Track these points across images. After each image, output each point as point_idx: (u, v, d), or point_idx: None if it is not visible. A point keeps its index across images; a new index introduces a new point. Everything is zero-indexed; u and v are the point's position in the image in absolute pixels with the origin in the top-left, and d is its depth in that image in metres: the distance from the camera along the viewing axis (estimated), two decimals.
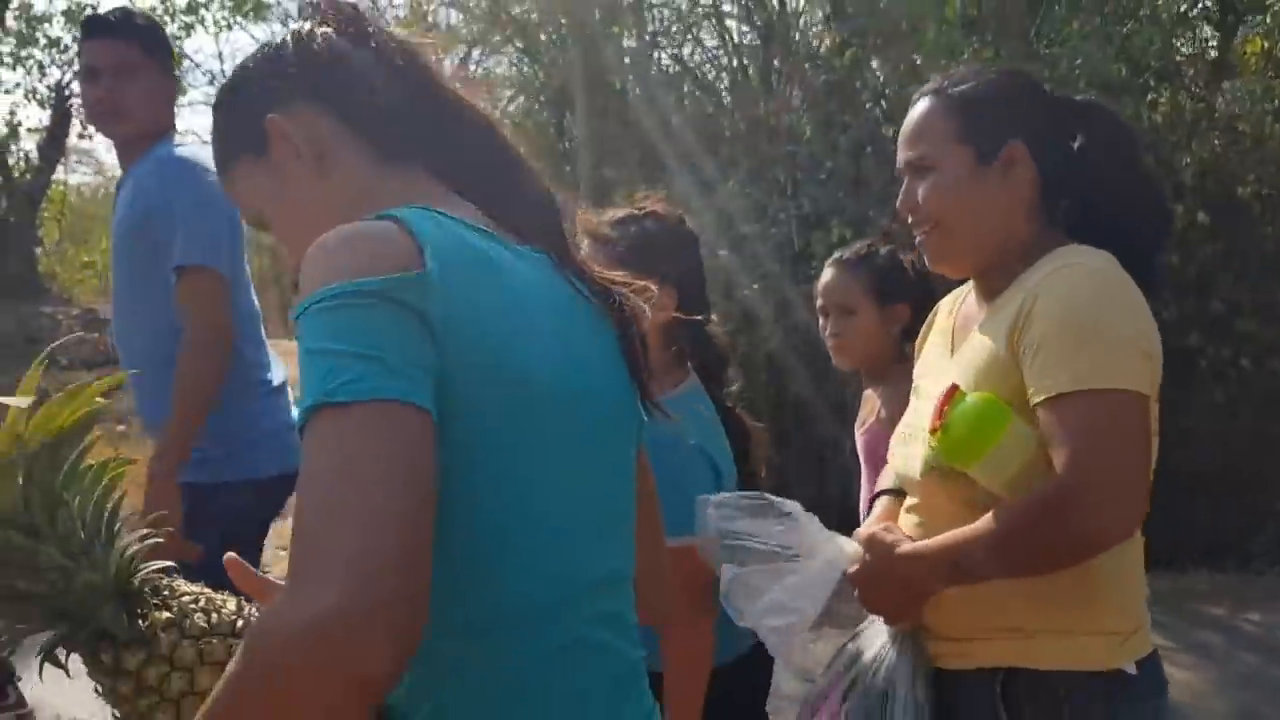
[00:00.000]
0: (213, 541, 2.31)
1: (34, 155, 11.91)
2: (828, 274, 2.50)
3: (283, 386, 2.68)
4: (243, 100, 1.06)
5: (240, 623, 0.94)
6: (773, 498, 1.67)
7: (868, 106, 6.90)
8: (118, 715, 0.92)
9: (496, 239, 0.96)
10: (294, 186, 1.03)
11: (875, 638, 1.61)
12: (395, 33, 1.08)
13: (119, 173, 2.60)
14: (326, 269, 0.84)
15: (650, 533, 1.11)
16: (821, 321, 2.52)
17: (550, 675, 0.92)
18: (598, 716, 0.95)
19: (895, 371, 2.38)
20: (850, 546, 1.59)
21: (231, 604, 0.97)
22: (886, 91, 6.78)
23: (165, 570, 0.95)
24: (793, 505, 1.65)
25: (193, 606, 0.93)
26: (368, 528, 0.74)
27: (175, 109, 2.62)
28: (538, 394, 0.91)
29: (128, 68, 2.48)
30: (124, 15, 2.60)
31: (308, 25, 1.05)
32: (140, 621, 0.89)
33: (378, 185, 1.01)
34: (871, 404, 2.48)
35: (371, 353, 0.80)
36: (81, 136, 11.47)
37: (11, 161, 11.72)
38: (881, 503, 1.72)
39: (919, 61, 6.29)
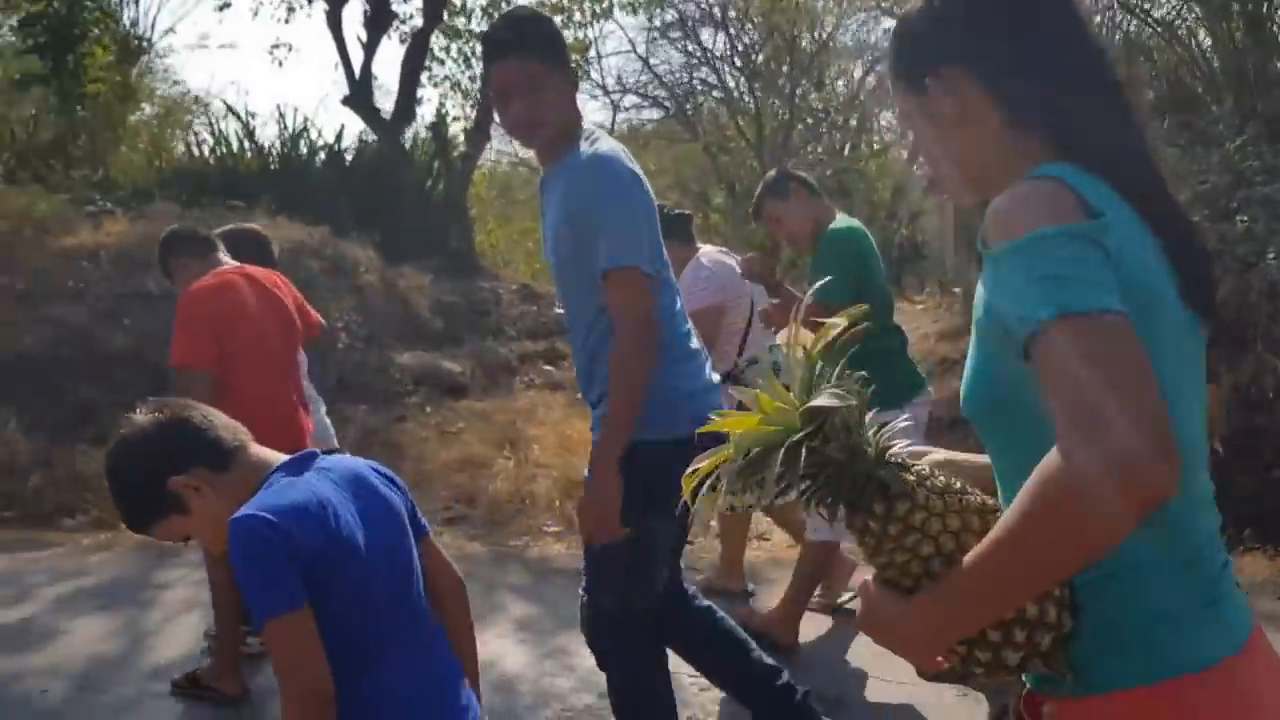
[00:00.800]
0: (635, 495, 2.55)
1: (462, 142, 12.87)
2: None
3: (698, 351, 2.78)
4: (906, 50, 1.34)
5: (957, 483, 1.21)
6: None
7: None
8: (878, 561, 1.18)
9: (1108, 189, 1.19)
10: (940, 130, 1.31)
11: None
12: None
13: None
14: (1027, 220, 1.11)
15: None
16: None
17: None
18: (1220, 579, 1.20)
19: None
20: None
21: (939, 471, 1.24)
22: None
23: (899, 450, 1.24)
24: None
25: (924, 471, 1.21)
26: (1136, 391, 1.01)
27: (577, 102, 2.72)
28: (1171, 319, 1.17)
29: (534, 81, 2.57)
30: (517, 32, 2.63)
31: None
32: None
33: (1002, 146, 1.27)
34: None
35: (1087, 276, 1.07)
36: None
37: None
38: None
39: None
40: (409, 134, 12.68)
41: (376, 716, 1.73)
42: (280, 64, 15.23)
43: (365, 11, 12.42)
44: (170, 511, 1.78)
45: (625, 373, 2.54)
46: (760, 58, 20.60)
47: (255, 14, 14.62)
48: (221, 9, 13.06)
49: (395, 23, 12.95)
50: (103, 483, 1.86)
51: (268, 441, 3.48)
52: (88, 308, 7.67)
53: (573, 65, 2.72)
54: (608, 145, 2.64)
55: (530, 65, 2.57)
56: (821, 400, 1.15)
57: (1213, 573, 1.18)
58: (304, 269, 8.78)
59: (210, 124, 12.37)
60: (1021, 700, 1.25)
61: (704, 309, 4.19)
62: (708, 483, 1.22)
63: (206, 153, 11.42)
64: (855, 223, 3.99)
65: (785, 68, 20.02)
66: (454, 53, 13.28)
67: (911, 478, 1.18)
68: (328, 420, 4.42)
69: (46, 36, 10.33)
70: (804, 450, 1.15)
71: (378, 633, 1.75)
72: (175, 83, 18.59)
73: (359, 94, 12.67)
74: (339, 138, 11.55)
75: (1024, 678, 1.21)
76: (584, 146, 2.62)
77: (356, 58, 12.62)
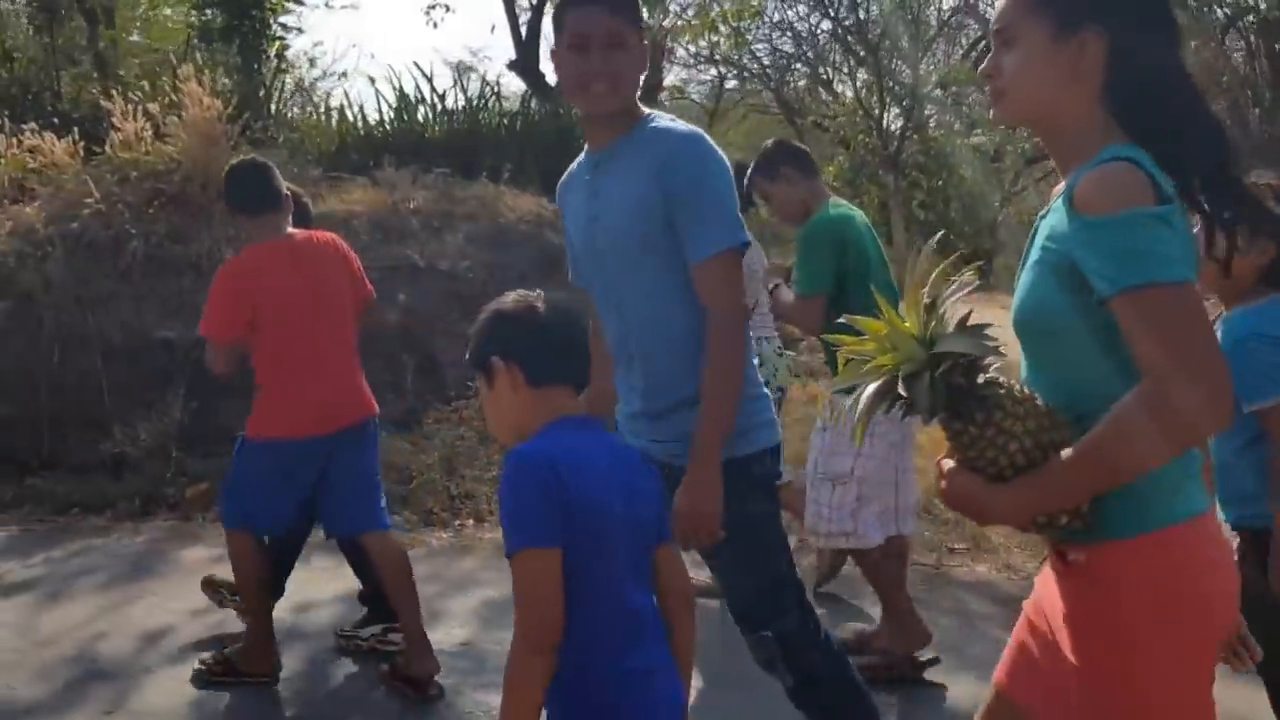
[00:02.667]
0: (753, 507, 2.40)
1: None
2: None
3: None
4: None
5: (1028, 389, 1.54)
6: None
7: None
8: (970, 454, 1.51)
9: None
10: (1049, 67, 1.55)
11: None
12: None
13: None
14: (1126, 197, 1.43)
15: None
16: None
17: None
18: None
19: None
20: None
21: (1017, 387, 1.53)
22: None
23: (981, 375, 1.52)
24: None
25: (1009, 383, 1.52)
26: (1210, 350, 1.41)
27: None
28: None
29: (616, 38, 2.34)
30: None
31: None
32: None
33: (1094, 120, 1.55)
34: None
35: (1170, 253, 1.42)
36: None
37: None
38: None
39: None
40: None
41: (601, 686, 1.77)
42: (435, 25, 14.30)
43: None
44: (483, 375, 1.92)
45: (734, 366, 2.35)
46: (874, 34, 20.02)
47: None
48: None
49: None
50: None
51: (282, 417, 3.59)
52: None
53: (643, 46, 2.45)
54: (688, 125, 2.45)
55: (617, 20, 2.35)
56: (961, 346, 1.45)
57: (1193, 455, 1.55)
58: (545, 244, 8.29)
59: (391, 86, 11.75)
60: (1053, 552, 1.62)
61: None
62: (854, 401, 1.51)
63: (380, 117, 10.86)
64: (843, 209, 3.74)
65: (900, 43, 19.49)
66: None
67: (1002, 390, 1.48)
68: None
69: None
70: (941, 377, 1.45)
71: (610, 600, 1.79)
72: (317, 43, 17.80)
73: (526, 57, 12.14)
74: (526, 102, 10.96)
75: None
76: (665, 121, 2.41)
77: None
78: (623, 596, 1.81)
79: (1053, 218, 1.55)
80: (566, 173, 2.64)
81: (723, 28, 12.76)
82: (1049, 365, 1.55)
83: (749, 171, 4.00)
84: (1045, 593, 1.70)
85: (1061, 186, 1.60)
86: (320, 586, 4.75)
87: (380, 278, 7.29)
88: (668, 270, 2.37)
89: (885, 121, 18.94)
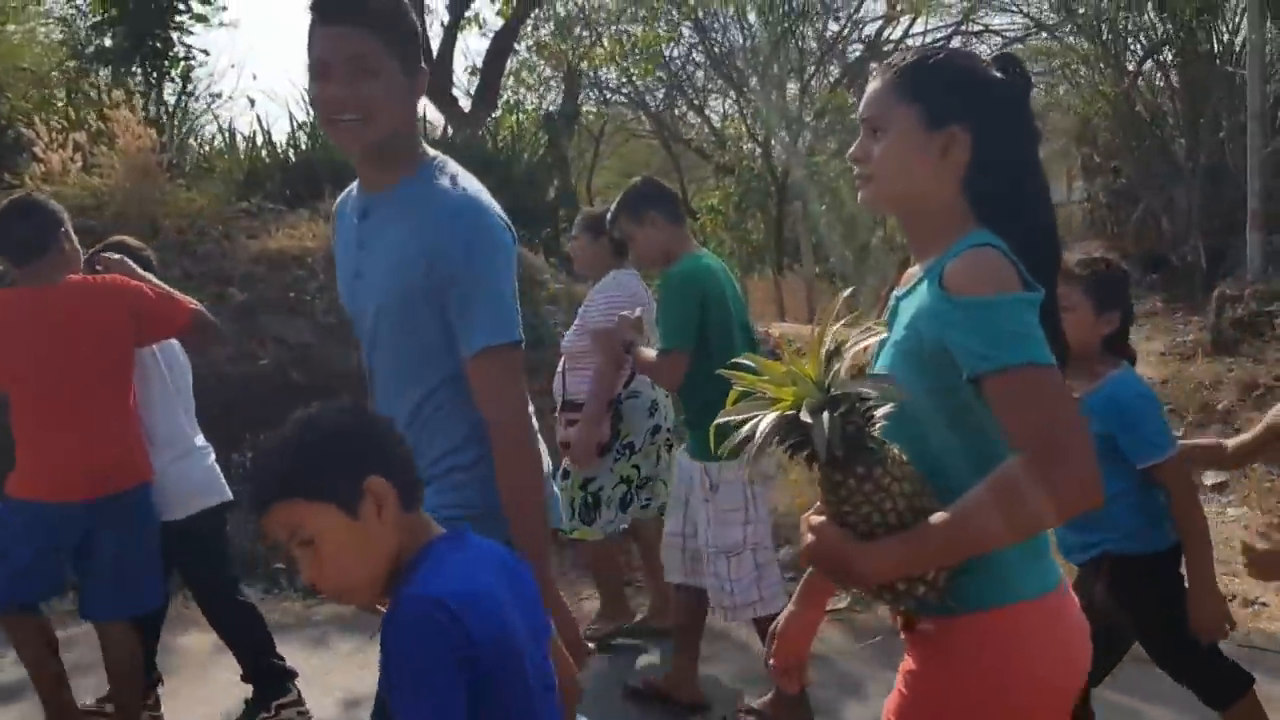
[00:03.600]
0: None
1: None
2: None
3: None
4: (951, 89, 1.59)
5: (904, 455, 1.52)
6: None
7: None
8: (844, 509, 1.49)
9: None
10: (914, 154, 1.59)
11: None
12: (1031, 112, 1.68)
13: None
14: (1001, 281, 1.49)
15: None
16: None
17: None
18: None
19: None
20: None
21: (896, 451, 1.51)
22: None
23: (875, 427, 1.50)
24: None
25: (887, 443, 1.50)
26: (1081, 430, 1.45)
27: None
28: None
29: (364, 62, 1.97)
30: None
31: (995, 72, 1.63)
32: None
33: (956, 208, 1.60)
34: None
35: (1039, 336, 1.48)
36: None
37: None
38: None
39: None
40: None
41: None
42: None
43: None
44: (341, 503, 1.51)
45: (529, 480, 2.04)
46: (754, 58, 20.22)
47: None
48: None
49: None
50: None
51: (39, 477, 3.28)
52: (312, 322, 6.63)
53: (424, 71, 2.08)
54: (473, 184, 2.07)
55: (366, 40, 1.96)
56: (863, 388, 1.46)
57: (1044, 534, 1.61)
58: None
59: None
60: (901, 620, 1.63)
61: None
62: (748, 436, 1.46)
63: (290, 141, 10.19)
64: (703, 261, 3.64)
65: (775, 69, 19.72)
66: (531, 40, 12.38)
67: (887, 448, 1.49)
68: (211, 470, 3.77)
69: (127, 5, 9.01)
70: (840, 417, 1.43)
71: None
72: (201, 64, 16.72)
73: (438, 82, 11.70)
74: (445, 130, 10.50)
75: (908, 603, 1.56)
76: (442, 180, 2.05)
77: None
78: (544, 714, 1.65)
79: (915, 299, 1.59)
80: (345, 191, 2.26)
81: (632, 55, 12.57)
82: (899, 441, 1.53)
83: (612, 208, 3.85)
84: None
85: (918, 269, 1.65)
86: (356, 676, 4.27)
87: (346, 321, 6.84)
88: (431, 347, 2.05)
89: (774, 147, 19.17)
